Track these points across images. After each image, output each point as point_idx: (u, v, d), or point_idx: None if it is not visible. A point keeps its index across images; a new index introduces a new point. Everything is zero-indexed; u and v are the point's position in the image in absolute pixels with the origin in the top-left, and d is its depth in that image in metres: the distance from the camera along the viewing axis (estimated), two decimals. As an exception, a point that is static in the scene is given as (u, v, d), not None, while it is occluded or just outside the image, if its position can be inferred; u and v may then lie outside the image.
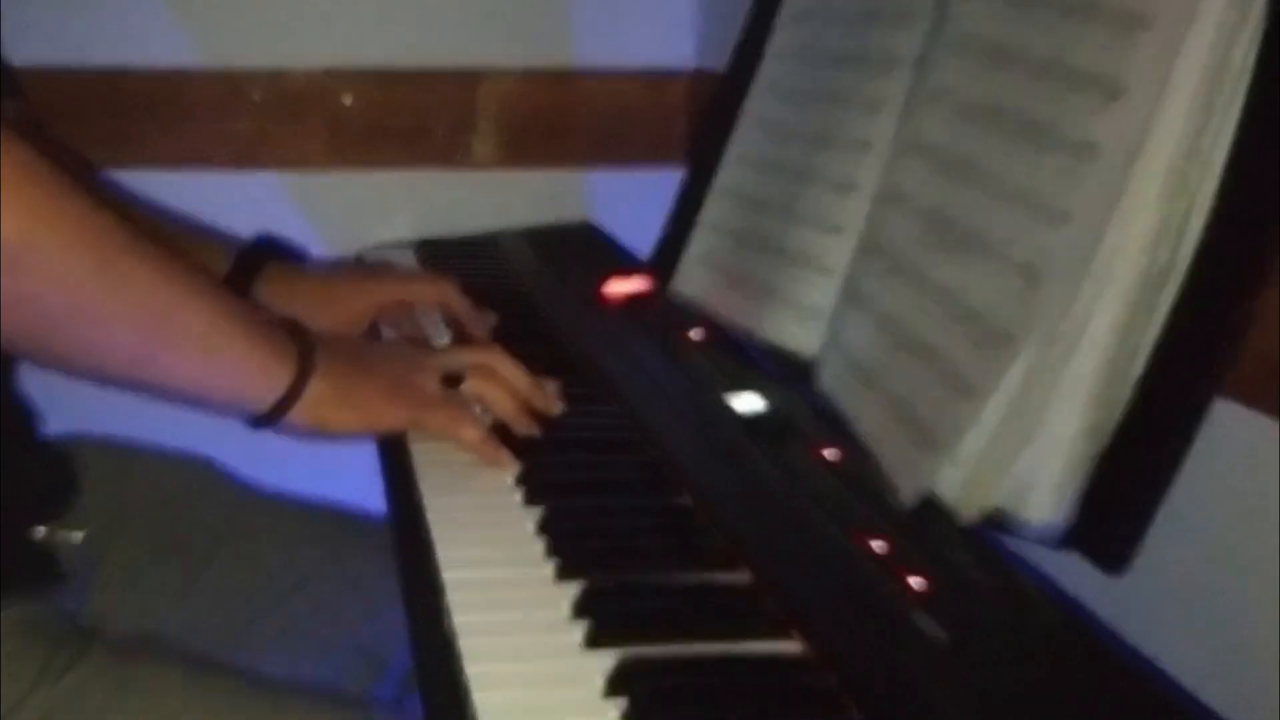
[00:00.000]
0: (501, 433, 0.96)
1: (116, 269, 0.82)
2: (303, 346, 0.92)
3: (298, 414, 0.91)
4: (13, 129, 0.79)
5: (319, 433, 0.93)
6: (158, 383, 0.88)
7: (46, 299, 0.80)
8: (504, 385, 0.98)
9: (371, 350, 1.04)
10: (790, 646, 0.70)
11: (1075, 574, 0.74)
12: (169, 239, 1.05)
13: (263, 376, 0.90)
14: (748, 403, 0.99)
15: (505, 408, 0.98)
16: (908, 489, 0.80)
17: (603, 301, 1.27)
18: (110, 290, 0.82)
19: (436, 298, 1.21)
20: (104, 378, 0.86)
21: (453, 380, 0.98)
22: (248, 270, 1.17)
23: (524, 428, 0.98)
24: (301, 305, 1.11)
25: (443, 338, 1.18)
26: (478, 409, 0.97)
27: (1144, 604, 0.79)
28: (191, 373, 0.88)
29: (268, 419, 0.91)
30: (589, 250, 1.52)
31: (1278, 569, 0.72)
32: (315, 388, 0.91)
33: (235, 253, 1.18)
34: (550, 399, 1.01)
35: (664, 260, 1.25)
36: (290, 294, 1.16)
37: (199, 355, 0.88)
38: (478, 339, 1.16)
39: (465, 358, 1.01)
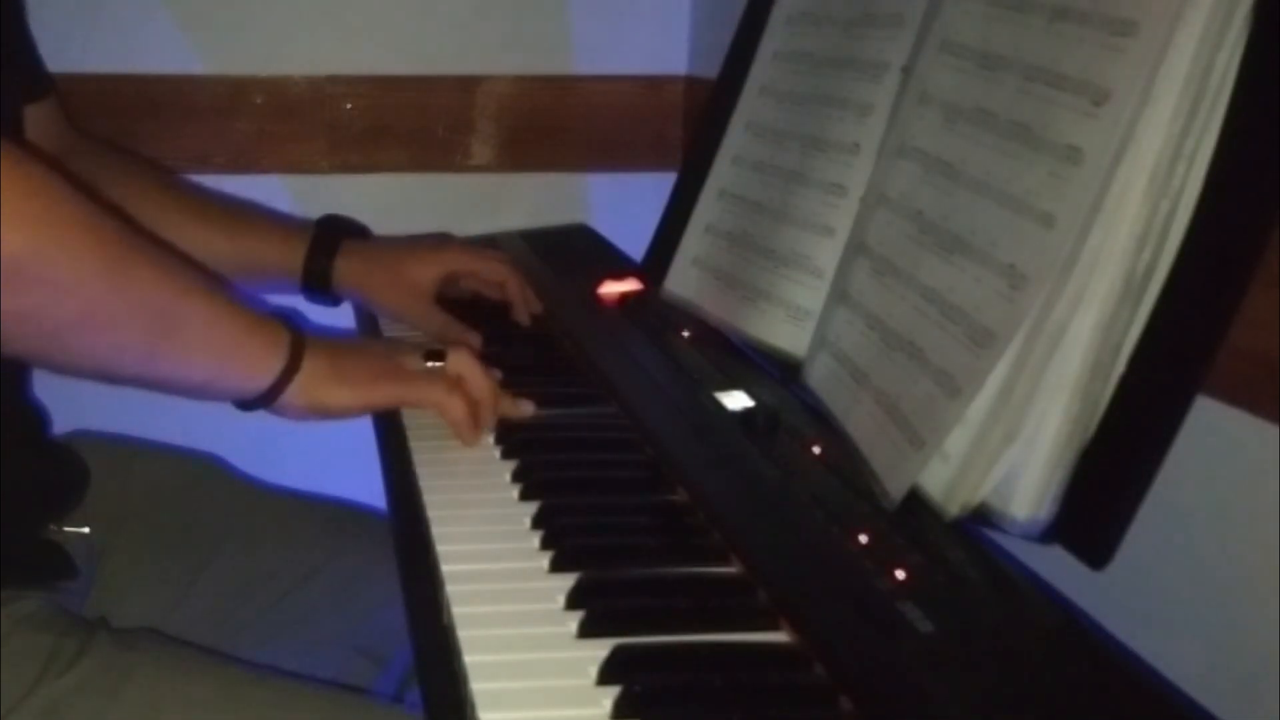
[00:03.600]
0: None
1: (121, 272, 0.84)
2: (294, 331, 0.95)
3: (294, 394, 0.93)
4: (13, 138, 0.80)
5: (315, 411, 0.95)
6: (162, 377, 0.90)
7: (55, 308, 0.81)
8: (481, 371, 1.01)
9: (356, 340, 1.08)
10: (780, 637, 0.71)
11: (1077, 576, 0.75)
12: (236, 225, 1.21)
13: (259, 359, 0.93)
14: (739, 400, 1.00)
15: (481, 388, 0.99)
16: (894, 485, 0.81)
17: (598, 302, 1.29)
18: (117, 294, 0.84)
19: (497, 276, 1.26)
20: (110, 378, 0.88)
21: (433, 358, 1.01)
22: (327, 250, 1.23)
23: (489, 419, 0.99)
24: (376, 281, 1.21)
25: None
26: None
27: (1147, 605, 0.80)
28: (193, 364, 0.90)
29: (265, 399, 0.93)
30: (584, 252, 1.53)
31: (1277, 571, 0.73)
32: (309, 367, 0.94)
33: (309, 234, 1.24)
34: (513, 404, 1.02)
35: (657, 261, 1.26)
36: (366, 271, 1.23)
37: (199, 346, 0.90)
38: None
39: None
